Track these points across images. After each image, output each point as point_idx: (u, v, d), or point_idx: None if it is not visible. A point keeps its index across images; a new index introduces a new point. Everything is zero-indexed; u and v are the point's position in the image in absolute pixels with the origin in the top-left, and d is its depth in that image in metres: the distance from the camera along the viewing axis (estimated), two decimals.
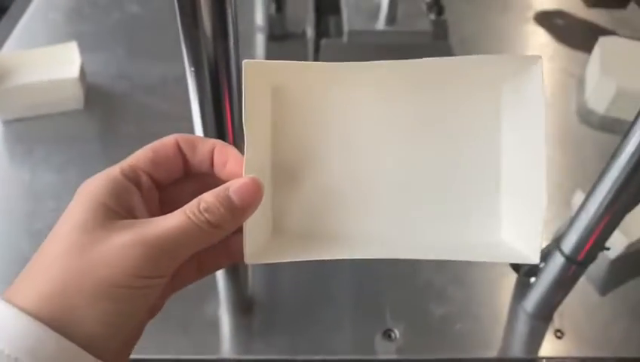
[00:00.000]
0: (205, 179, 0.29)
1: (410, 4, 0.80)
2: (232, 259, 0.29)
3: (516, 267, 0.61)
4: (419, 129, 0.29)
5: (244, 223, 0.27)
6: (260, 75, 0.28)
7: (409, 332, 0.55)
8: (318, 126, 0.29)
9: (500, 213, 0.30)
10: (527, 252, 0.28)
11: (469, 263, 0.61)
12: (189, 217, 0.25)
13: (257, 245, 0.28)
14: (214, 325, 0.55)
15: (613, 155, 0.43)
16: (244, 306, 0.56)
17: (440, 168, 0.30)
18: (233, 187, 0.26)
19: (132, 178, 0.27)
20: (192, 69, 0.32)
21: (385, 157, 0.29)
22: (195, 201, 0.26)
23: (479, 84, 0.29)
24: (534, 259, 0.28)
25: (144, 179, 0.28)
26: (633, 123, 0.42)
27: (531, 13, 1.02)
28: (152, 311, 0.28)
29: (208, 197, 0.26)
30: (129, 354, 0.27)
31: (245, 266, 0.51)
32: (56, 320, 0.22)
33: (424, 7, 0.84)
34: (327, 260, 0.28)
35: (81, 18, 0.93)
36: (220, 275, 0.51)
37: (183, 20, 0.30)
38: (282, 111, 0.29)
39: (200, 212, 0.25)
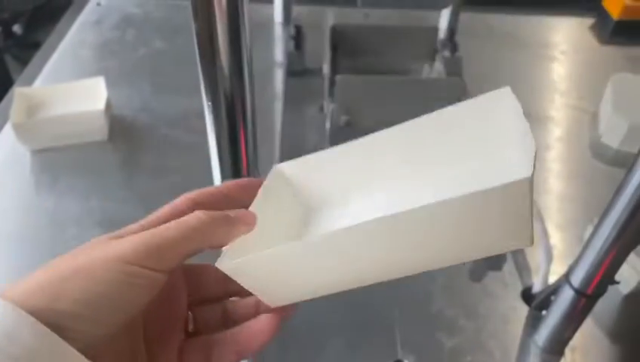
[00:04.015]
0: None
1: None
2: (241, 355, 0.29)
3: (527, 299, 0.61)
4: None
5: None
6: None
7: None
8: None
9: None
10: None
11: (481, 294, 0.62)
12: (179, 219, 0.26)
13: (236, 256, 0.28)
14: None
15: (618, 189, 0.44)
16: None
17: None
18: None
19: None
20: (209, 103, 0.34)
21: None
22: None
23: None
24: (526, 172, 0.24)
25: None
26: (638, 156, 0.43)
27: (545, 50, 1.04)
28: None
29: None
30: (117, 354, 0.26)
31: None
32: (45, 309, 0.22)
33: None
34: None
35: (109, 54, 0.97)
36: None
37: (201, 58, 0.33)
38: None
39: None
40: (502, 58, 1.02)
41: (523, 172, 0.24)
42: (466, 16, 0.98)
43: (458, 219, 0.24)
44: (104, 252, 0.24)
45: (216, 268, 0.28)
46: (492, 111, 0.30)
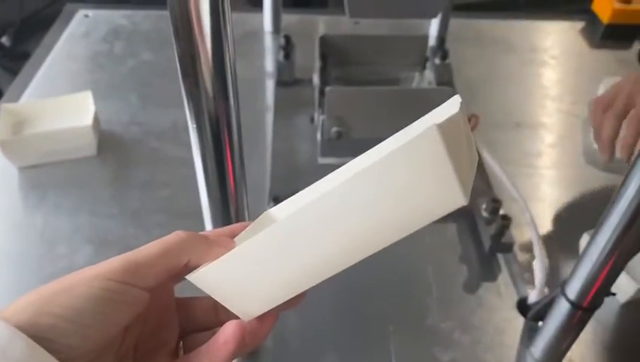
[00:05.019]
0: None
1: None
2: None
3: (523, 310, 0.61)
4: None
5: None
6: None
7: None
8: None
9: None
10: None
11: (475, 306, 0.61)
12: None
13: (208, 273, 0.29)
14: None
15: (613, 200, 0.44)
16: (251, 352, 0.56)
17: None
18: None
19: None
20: (194, 125, 0.33)
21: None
22: None
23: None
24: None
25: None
26: (632, 167, 0.42)
27: (535, 55, 1.03)
28: None
29: None
30: None
31: None
32: (27, 323, 0.24)
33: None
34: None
35: (97, 67, 0.96)
36: None
37: (184, 80, 0.32)
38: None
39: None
40: (492, 63, 1.01)
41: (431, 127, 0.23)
42: (455, 23, 0.98)
43: (382, 186, 0.24)
44: (88, 270, 0.26)
45: (207, 298, 0.29)
46: (438, 114, 0.30)
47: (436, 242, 0.68)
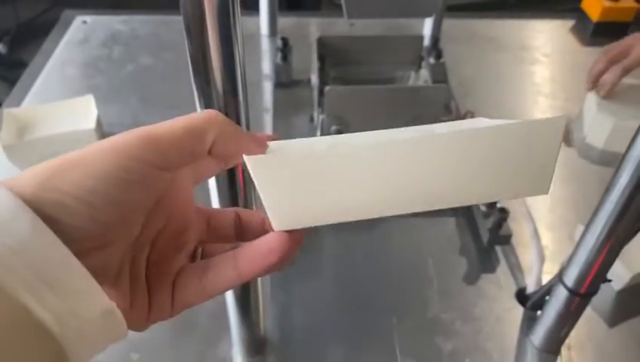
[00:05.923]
0: None
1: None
2: (241, 276, 0.27)
3: (522, 300, 0.62)
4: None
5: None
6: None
7: None
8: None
9: None
10: None
11: (476, 297, 0.63)
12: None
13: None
14: None
15: (607, 189, 0.45)
16: (256, 346, 0.58)
17: None
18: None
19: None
20: None
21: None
22: None
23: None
24: None
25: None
26: (624, 156, 0.44)
27: (527, 53, 1.05)
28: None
29: None
30: (115, 258, 0.24)
31: (257, 306, 0.53)
32: (31, 196, 0.21)
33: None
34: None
35: (96, 72, 0.97)
36: (233, 315, 0.53)
37: (196, 78, 0.33)
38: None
39: None
40: (486, 62, 1.03)
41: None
42: (449, 23, 1.00)
43: (494, 150, 0.25)
44: (104, 143, 0.23)
45: (228, 212, 0.29)
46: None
47: (436, 236, 0.70)
